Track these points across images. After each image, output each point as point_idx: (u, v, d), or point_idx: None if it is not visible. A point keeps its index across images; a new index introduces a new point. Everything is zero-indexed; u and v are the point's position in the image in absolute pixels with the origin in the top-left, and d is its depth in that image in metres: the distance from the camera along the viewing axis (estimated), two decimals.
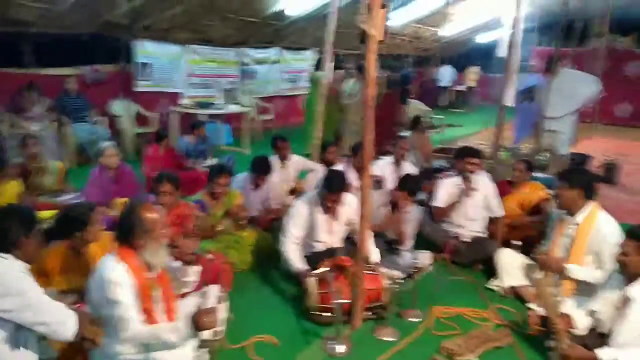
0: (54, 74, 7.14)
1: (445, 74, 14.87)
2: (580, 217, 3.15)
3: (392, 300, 3.23)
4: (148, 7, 7.30)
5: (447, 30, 13.62)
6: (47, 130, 6.10)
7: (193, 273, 2.80)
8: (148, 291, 2.30)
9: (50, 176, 4.68)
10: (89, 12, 6.99)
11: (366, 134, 3.04)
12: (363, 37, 3.12)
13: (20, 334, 2.05)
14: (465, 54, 16.40)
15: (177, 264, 2.74)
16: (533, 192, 4.22)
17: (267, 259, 4.06)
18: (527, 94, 7.26)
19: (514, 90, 4.85)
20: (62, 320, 2.07)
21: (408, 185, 3.94)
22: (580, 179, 3.19)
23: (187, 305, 2.66)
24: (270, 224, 4.56)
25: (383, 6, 3.04)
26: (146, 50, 7.83)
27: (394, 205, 3.97)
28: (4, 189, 4.11)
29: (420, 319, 3.26)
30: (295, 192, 5.17)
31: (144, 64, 7.84)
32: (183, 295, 2.80)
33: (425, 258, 3.45)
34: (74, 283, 2.72)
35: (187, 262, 2.73)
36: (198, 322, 2.16)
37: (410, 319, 3.26)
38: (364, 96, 3.04)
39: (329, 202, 3.53)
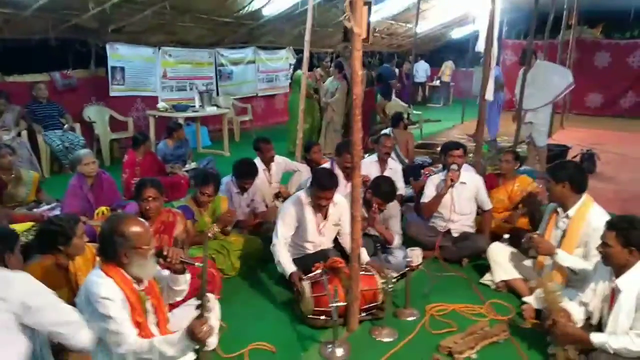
0: (23, 80, 6.91)
1: (420, 70, 14.98)
2: (572, 210, 3.16)
3: (387, 300, 3.20)
4: (118, 10, 7.10)
5: (421, 27, 13.70)
6: (18, 139, 5.88)
7: (183, 281, 2.71)
8: (139, 304, 2.22)
9: (25, 187, 4.50)
10: (56, 16, 6.76)
11: (355, 132, 3.00)
12: (347, 35, 3.06)
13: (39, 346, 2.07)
14: (439, 50, 16.58)
15: (166, 272, 2.65)
16: (522, 186, 4.25)
17: (256, 263, 3.99)
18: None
19: (492, 84, 4.88)
20: (82, 323, 2.06)
21: (380, 192, 3.80)
22: (565, 173, 3.20)
23: (182, 315, 2.58)
24: (257, 227, 4.50)
25: (366, 3, 2.99)
26: (118, 53, 7.62)
27: (369, 205, 3.90)
28: None
29: (417, 318, 3.24)
30: (279, 195, 5.10)
31: (117, 68, 7.63)
32: (175, 305, 2.71)
33: (416, 255, 3.43)
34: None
35: (177, 271, 2.64)
36: (194, 332, 2.08)
37: (406, 319, 3.23)
38: (352, 94, 2.99)
39: (322, 201, 3.47)
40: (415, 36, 10.90)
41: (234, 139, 8.94)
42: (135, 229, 2.19)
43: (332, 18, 10.43)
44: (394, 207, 4.00)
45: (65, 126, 6.61)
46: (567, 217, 3.19)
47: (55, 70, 7.31)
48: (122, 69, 7.71)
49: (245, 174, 4.40)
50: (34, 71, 7.10)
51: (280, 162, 5.25)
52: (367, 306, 3.16)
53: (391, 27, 13.27)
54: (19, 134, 6.00)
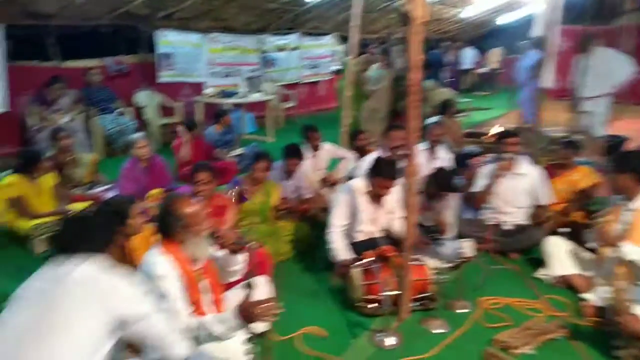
0: (78, 66, 7.13)
1: (467, 56, 14.56)
2: (637, 202, 3.00)
3: (438, 291, 3.14)
4: None
5: (468, 11, 13.28)
6: (75, 122, 6.09)
7: (239, 261, 2.76)
8: (195, 283, 2.26)
9: (82, 168, 4.67)
10: (109, 2, 6.94)
11: (411, 119, 2.94)
12: (405, 19, 2.98)
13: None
14: (486, 36, 16.04)
15: (222, 253, 2.70)
16: (583, 177, 4.06)
17: (305, 249, 4.00)
18: (534, 71, 7.10)
19: (553, 71, 4.67)
20: (182, 330, 1.99)
21: (439, 183, 3.77)
22: (629, 163, 3.04)
23: (236, 296, 2.61)
24: (304, 213, 4.50)
25: None
26: (167, 40, 7.76)
27: (429, 195, 3.84)
28: (41, 182, 4.11)
29: (469, 310, 3.16)
30: (326, 182, 5.08)
31: (166, 54, 7.78)
32: (230, 285, 2.75)
33: (469, 247, 3.34)
34: None
35: (232, 251, 2.69)
36: (250, 313, 2.09)
37: (458, 310, 3.16)
38: (399, 82, 2.94)
39: (381, 189, 3.43)
40: (461, 22, 10.58)
41: (278, 126, 8.97)
42: (188, 208, 2.26)
43: (376, 3, 10.25)
44: (450, 198, 3.91)
45: (117, 110, 6.81)
46: (631, 209, 3.03)
47: (107, 56, 7.51)
48: (171, 55, 7.86)
49: (291, 153, 4.45)
50: (87, 57, 7.33)
51: (327, 148, 5.23)
52: (418, 296, 3.12)
53: (437, 12, 12.93)
54: (76, 118, 6.21)
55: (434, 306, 3.14)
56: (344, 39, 9.76)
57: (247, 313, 2.06)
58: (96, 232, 1.97)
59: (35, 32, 6.63)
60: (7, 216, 4.01)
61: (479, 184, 4.07)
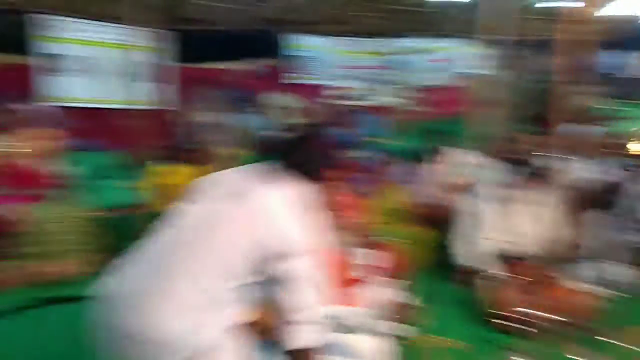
0: (214, 68, 7.71)
1: (609, 59, 13.18)
2: None
3: (585, 316, 2.86)
4: (302, 2, 7.51)
5: (611, 10, 11.94)
6: (217, 119, 6.58)
7: (374, 258, 2.76)
8: (332, 271, 2.29)
9: (223, 163, 5.03)
10: (241, 7, 7.40)
11: (553, 126, 2.75)
12: (558, 20, 2.80)
13: None
14: (633, 36, 14.38)
15: (359, 248, 2.73)
16: None
17: (430, 256, 3.90)
18: None
19: None
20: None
21: (593, 198, 3.50)
22: None
23: (374, 293, 2.60)
24: (430, 219, 4.39)
25: None
26: (300, 44, 8.12)
27: (578, 210, 3.51)
28: (184, 173, 4.51)
29: (618, 341, 2.84)
30: (453, 187, 4.92)
31: (299, 57, 8.14)
32: (363, 281, 2.76)
33: (622, 272, 2.99)
34: None
35: (362, 245, 2.71)
36: (400, 314, 2.08)
37: (606, 339, 2.85)
38: (553, 85, 2.76)
39: (510, 190, 3.31)
40: (602, 21, 9.53)
41: (403, 129, 8.87)
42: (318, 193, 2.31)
43: (511, 5, 9.69)
44: (602, 215, 3.57)
45: (250, 110, 7.25)
46: None
47: (241, 59, 8.03)
48: (304, 58, 8.20)
49: (416, 157, 4.55)
50: (223, 59, 7.90)
51: (454, 154, 5.05)
52: (561, 319, 2.86)
53: (578, 11, 11.83)
54: (219, 116, 6.72)
55: (579, 332, 2.87)
56: (473, 42, 9.41)
57: (396, 313, 2.05)
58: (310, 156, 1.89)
59: (181, 36, 7.29)
60: (153, 201, 4.50)
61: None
